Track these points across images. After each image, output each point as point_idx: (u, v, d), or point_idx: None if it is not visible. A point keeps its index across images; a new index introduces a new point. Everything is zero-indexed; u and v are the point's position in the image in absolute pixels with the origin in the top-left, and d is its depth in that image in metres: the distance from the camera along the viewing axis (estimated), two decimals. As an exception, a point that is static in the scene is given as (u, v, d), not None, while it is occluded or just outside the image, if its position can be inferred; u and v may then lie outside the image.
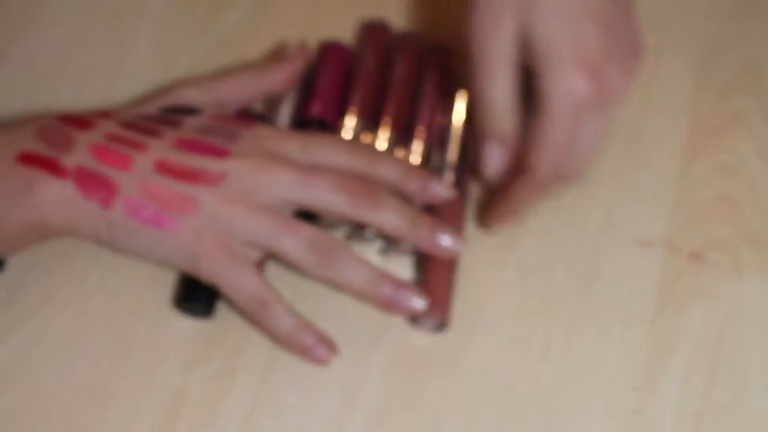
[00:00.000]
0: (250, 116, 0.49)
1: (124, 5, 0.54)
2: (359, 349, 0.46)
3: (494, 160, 0.46)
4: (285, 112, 0.50)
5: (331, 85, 0.51)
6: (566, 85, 0.42)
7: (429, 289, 0.45)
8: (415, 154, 0.49)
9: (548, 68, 0.42)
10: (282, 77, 0.50)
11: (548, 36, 0.42)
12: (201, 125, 0.45)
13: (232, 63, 0.53)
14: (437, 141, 0.50)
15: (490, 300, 0.47)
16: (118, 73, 0.52)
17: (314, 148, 0.45)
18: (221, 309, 0.46)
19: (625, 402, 0.46)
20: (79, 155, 0.43)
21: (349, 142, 0.49)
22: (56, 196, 0.42)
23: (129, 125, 0.44)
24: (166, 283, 0.47)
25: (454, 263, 0.47)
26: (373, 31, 0.53)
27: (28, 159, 0.42)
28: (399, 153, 0.49)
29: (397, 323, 0.46)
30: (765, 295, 0.48)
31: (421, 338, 0.46)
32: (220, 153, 0.44)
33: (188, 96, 0.48)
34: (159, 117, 0.46)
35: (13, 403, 0.42)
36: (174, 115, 0.46)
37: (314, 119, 0.50)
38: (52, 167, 0.42)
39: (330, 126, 0.50)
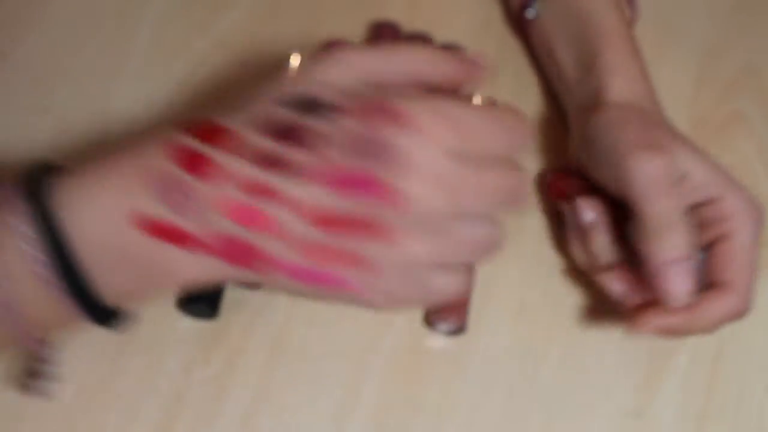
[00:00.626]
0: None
1: (124, 5, 0.54)
2: (359, 349, 0.46)
3: (682, 282, 0.42)
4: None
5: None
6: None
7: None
8: None
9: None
10: (465, 73, 0.39)
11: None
12: (350, 140, 0.34)
13: (232, 63, 0.53)
14: None
15: (491, 300, 0.47)
16: (118, 73, 0.52)
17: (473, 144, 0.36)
18: (222, 309, 0.45)
19: (626, 402, 0.46)
20: (210, 217, 0.35)
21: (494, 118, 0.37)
22: (198, 273, 0.36)
23: (260, 157, 0.35)
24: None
25: (473, 268, 0.47)
26: (383, 32, 0.53)
27: (149, 226, 0.35)
28: None
29: (398, 323, 0.46)
30: (766, 295, 0.48)
31: (426, 339, 0.46)
32: (390, 197, 0.34)
33: (336, 73, 0.37)
34: (291, 127, 0.35)
35: (12, 404, 0.42)
36: (309, 121, 0.35)
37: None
38: (182, 239, 0.35)
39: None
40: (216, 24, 0.54)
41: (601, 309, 0.48)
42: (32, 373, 0.40)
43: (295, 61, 0.38)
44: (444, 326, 0.45)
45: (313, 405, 0.44)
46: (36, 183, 0.36)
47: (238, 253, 0.35)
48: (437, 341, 0.46)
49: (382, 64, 0.37)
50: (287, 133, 0.35)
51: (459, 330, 0.46)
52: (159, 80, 0.52)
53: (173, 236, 0.35)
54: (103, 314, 0.37)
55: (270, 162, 0.34)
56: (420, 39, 0.53)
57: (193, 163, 0.35)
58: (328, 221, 0.34)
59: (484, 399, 0.45)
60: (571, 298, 0.48)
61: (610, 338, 0.47)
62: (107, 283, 0.36)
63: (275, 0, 0.55)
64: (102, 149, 0.42)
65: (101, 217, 0.35)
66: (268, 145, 0.35)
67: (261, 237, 0.35)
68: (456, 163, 0.34)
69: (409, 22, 0.54)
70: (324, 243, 0.35)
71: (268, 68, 0.53)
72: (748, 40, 0.56)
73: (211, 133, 0.35)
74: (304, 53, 0.40)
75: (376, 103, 0.34)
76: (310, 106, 0.35)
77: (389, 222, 0.34)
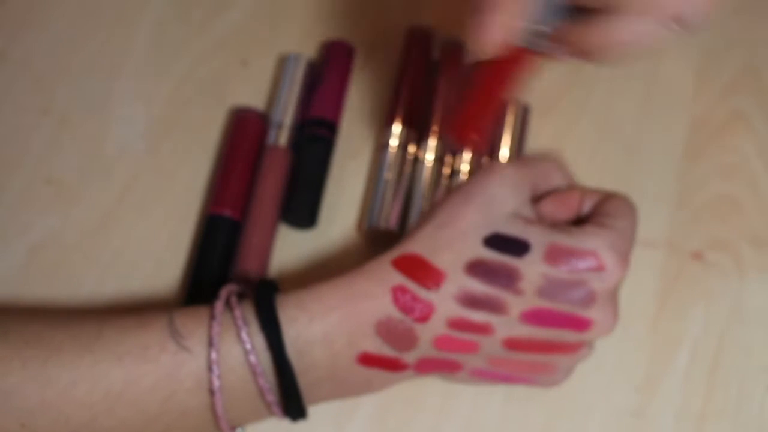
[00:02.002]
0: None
1: (124, 5, 0.54)
2: (359, 349, 0.45)
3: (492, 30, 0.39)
4: (288, 112, 0.50)
5: (335, 85, 0.51)
6: None
7: None
8: (465, 162, 0.49)
9: None
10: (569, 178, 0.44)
11: None
12: (548, 283, 0.39)
13: (232, 63, 0.53)
14: (486, 149, 0.50)
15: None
16: (117, 73, 0.52)
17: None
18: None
19: (626, 402, 0.46)
20: (421, 350, 0.40)
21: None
22: (392, 382, 0.41)
23: (467, 297, 0.39)
24: (167, 284, 0.47)
25: None
26: (417, 38, 0.53)
27: (370, 361, 0.39)
28: (448, 162, 0.49)
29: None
30: (766, 295, 0.48)
31: None
32: (580, 326, 0.40)
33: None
34: (494, 269, 0.39)
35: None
36: (507, 261, 0.39)
37: (316, 119, 0.50)
38: (392, 366, 0.40)
39: (331, 125, 0.50)
40: (216, 24, 0.54)
41: (601, 309, 0.48)
42: None
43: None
44: None
45: (314, 405, 0.44)
46: (270, 315, 0.38)
47: (433, 366, 0.41)
48: None
49: (532, 178, 0.42)
50: (492, 274, 0.39)
51: None
52: (159, 80, 0.52)
53: (390, 366, 0.40)
54: (299, 414, 0.40)
55: (476, 303, 0.39)
56: (426, 34, 0.53)
57: (415, 310, 0.39)
58: (521, 345, 0.40)
59: (484, 399, 0.45)
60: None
61: (610, 338, 0.47)
62: (312, 396, 0.40)
63: (275, 0, 0.55)
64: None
65: (330, 357, 0.39)
66: (477, 288, 0.39)
67: (457, 355, 0.40)
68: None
69: (409, 21, 0.54)
70: (512, 360, 0.41)
71: (269, 68, 0.53)
72: (748, 40, 0.55)
73: (426, 275, 0.39)
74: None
75: (565, 247, 0.39)
76: (507, 244, 0.40)
77: (572, 339, 0.40)
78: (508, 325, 0.39)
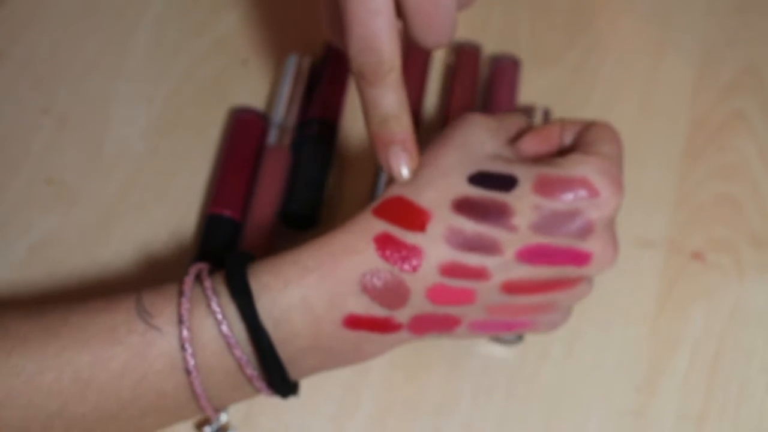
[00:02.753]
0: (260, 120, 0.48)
1: (124, 5, 0.54)
2: (359, 349, 0.46)
3: (402, 164, 0.39)
4: (288, 112, 0.50)
5: (335, 85, 0.51)
6: None
7: None
8: None
9: None
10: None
11: None
12: (542, 216, 0.37)
13: (232, 63, 0.53)
14: None
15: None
16: (117, 73, 0.52)
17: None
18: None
19: (626, 402, 0.46)
20: (414, 305, 0.37)
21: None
22: (386, 346, 0.39)
23: (457, 237, 0.37)
24: (166, 283, 0.47)
25: None
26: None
27: (357, 323, 0.37)
28: None
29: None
30: (766, 295, 0.48)
31: (482, 348, 0.46)
32: (580, 260, 0.38)
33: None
34: (483, 205, 0.37)
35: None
36: (496, 197, 0.38)
37: (316, 119, 0.50)
38: (383, 327, 0.38)
39: (331, 125, 0.50)
40: (216, 24, 0.54)
41: (601, 308, 0.48)
42: None
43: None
44: (506, 334, 0.45)
45: (313, 405, 0.44)
46: (241, 282, 0.37)
47: (428, 323, 0.39)
48: (497, 349, 0.46)
49: (504, 125, 0.41)
50: (481, 211, 0.37)
51: (519, 338, 0.46)
52: (159, 80, 0.52)
53: (381, 327, 0.38)
54: (286, 389, 0.38)
55: (468, 243, 0.37)
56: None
57: (402, 258, 0.37)
58: (521, 288, 0.38)
59: (484, 399, 0.45)
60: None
61: (610, 338, 0.47)
62: (298, 367, 0.38)
63: (275, 0, 0.55)
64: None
65: (311, 323, 0.37)
66: (467, 227, 0.37)
67: (454, 308, 0.38)
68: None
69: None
70: (510, 305, 0.39)
71: (269, 68, 0.53)
72: (748, 40, 0.56)
73: (410, 217, 0.37)
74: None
75: (554, 176, 0.38)
76: (492, 180, 0.38)
77: (572, 275, 0.39)
78: (505, 267, 0.37)
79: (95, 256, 0.47)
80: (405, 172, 0.38)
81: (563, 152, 0.41)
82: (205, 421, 0.43)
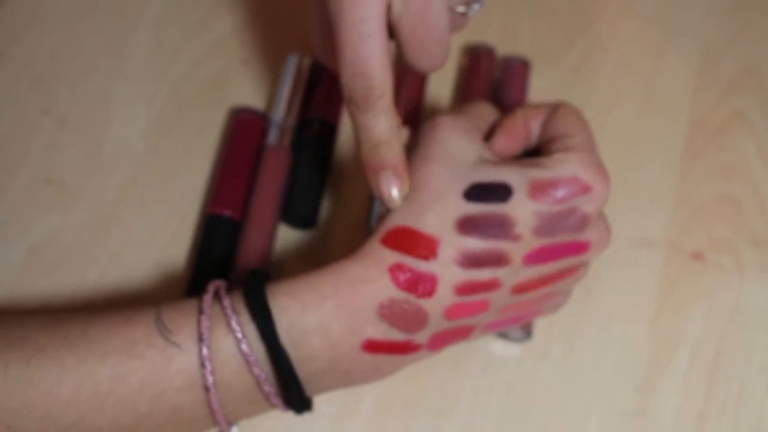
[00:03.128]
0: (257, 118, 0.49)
1: (124, 5, 0.54)
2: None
3: (393, 189, 0.39)
4: (288, 112, 0.50)
5: (335, 85, 0.51)
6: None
7: None
8: None
9: None
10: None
11: None
12: (540, 222, 0.38)
13: (232, 63, 0.53)
14: None
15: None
16: (117, 73, 0.52)
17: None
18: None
19: (626, 402, 0.46)
20: (433, 326, 0.38)
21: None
22: (403, 365, 0.40)
23: (468, 258, 0.38)
24: (166, 283, 0.47)
25: None
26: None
27: (377, 347, 0.38)
28: None
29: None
30: (766, 295, 0.48)
31: (491, 345, 0.46)
32: (580, 250, 0.40)
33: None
34: (485, 222, 0.38)
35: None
36: (495, 210, 0.38)
37: (316, 119, 0.50)
38: (403, 349, 0.38)
39: (331, 125, 0.50)
40: (216, 24, 0.54)
41: (601, 308, 0.48)
42: None
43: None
44: (514, 333, 0.45)
45: (314, 405, 0.44)
46: (260, 303, 0.37)
47: (445, 338, 0.39)
48: (505, 348, 0.46)
49: (473, 121, 0.41)
50: (484, 227, 0.38)
51: (527, 336, 0.46)
52: (159, 80, 0.52)
53: (400, 350, 0.38)
54: (302, 405, 0.39)
55: (479, 260, 0.38)
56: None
57: (418, 286, 0.37)
58: (530, 286, 0.39)
59: (484, 399, 0.45)
60: (571, 297, 0.47)
61: (610, 338, 0.47)
62: (315, 386, 0.39)
63: (275, 0, 0.55)
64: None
65: (329, 346, 0.37)
66: (475, 246, 0.38)
67: (470, 320, 0.39)
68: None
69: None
70: (518, 304, 0.40)
71: (269, 68, 0.53)
72: (748, 40, 0.56)
73: (419, 246, 0.37)
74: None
75: (546, 179, 0.38)
76: (487, 192, 0.38)
77: (574, 263, 0.40)
78: (514, 274, 0.38)
79: (95, 256, 0.47)
80: (396, 197, 0.39)
81: (540, 145, 0.41)
82: None
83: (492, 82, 0.53)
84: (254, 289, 0.37)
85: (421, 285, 0.37)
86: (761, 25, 0.56)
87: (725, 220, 0.50)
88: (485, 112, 0.42)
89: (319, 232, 0.49)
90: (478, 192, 0.38)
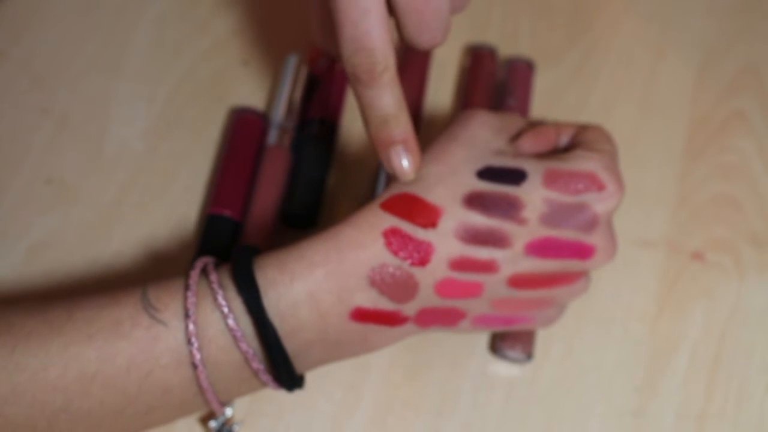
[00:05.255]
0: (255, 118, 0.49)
1: (124, 5, 0.54)
2: (359, 349, 0.46)
3: (406, 164, 0.38)
4: (288, 112, 0.50)
5: (335, 85, 0.51)
6: None
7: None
8: None
9: None
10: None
11: None
12: (549, 209, 0.38)
13: (231, 64, 0.53)
14: None
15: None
16: (117, 73, 0.52)
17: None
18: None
19: (626, 402, 0.46)
20: (422, 299, 0.38)
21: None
22: (392, 338, 0.39)
23: (469, 232, 0.37)
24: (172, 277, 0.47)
25: None
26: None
27: (365, 316, 0.37)
28: None
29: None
30: (766, 295, 0.48)
31: (491, 365, 0.46)
32: (584, 254, 0.39)
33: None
34: (494, 199, 0.38)
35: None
36: (507, 190, 0.38)
37: (316, 119, 0.50)
38: (391, 320, 0.38)
39: (331, 126, 0.50)
40: (216, 24, 0.54)
41: (601, 308, 0.48)
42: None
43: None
44: (512, 353, 0.45)
45: (313, 405, 0.44)
46: (247, 276, 0.36)
47: (435, 316, 0.39)
48: (504, 368, 0.46)
49: (505, 123, 0.42)
50: (492, 204, 0.37)
51: (527, 357, 0.45)
52: (159, 80, 0.52)
53: (388, 320, 0.38)
54: (292, 382, 0.38)
55: (478, 237, 0.37)
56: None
57: (412, 253, 0.36)
58: (526, 282, 0.38)
59: (484, 399, 0.45)
60: (564, 312, 0.47)
61: (609, 338, 0.47)
62: (304, 360, 0.38)
63: (275, 0, 0.55)
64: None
65: (318, 317, 0.37)
66: (478, 222, 0.37)
67: (461, 302, 0.38)
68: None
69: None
70: (514, 300, 0.39)
71: (269, 68, 0.53)
72: (748, 40, 0.56)
73: (421, 214, 0.37)
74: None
75: (563, 170, 0.38)
76: (501, 174, 0.38)
77: (575, 269, 0.39)
78: (513, 260, 0.38)
79: (95, 256, 0.47)
80: (409, 171, 0.38)
81: (561, 152, 0.41)
82: (210, 416, 0.43)
83: (494, 82, 0.53)
84: (241, 263, 0.37)
85: (415, 252, 0.36)
86: (761, 25, 0.56)
87: (725, 220, 0.50)
88: (518, 120, 0.43)
89: (319, 231, 0.49)
90: (491, 173, 0.38)
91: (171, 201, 0.49)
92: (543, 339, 0.46)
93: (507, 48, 0.54)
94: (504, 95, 0.52)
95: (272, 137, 0.50)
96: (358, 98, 0.38)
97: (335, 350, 0.38)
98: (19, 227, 0.47)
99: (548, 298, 0.40)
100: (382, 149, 0.38)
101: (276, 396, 0.44)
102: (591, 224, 0.38)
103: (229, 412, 0.40)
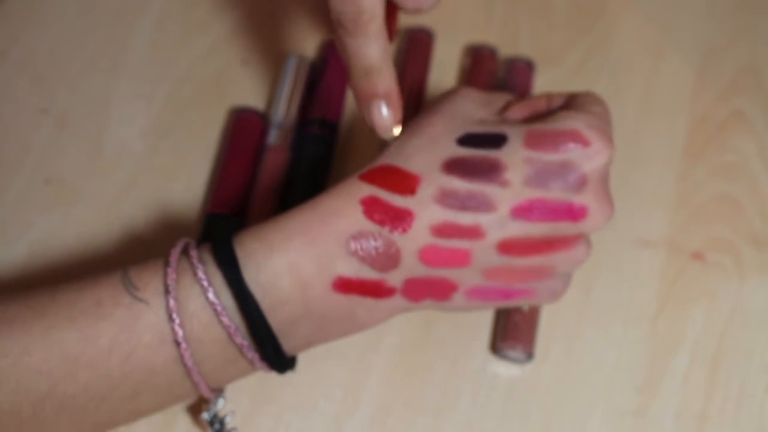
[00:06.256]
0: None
1: (124, 5, 0.54)
2: (359, 350, 0.45)
3: (387, 118, 0.39)
4: (288, 112, 0.50)
5: (335, 85, 0.51)
6: None
7: (516, 323, 0.45)
8: None
9: None
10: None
11: None
12: (534, 168, 0.37)
13: (231, 63, 0.53)
14: None
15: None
16: (117, 73, 0.52)
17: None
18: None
19: (627, 402, 0.46)
20: (406, 267, 0.36)
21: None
22: (381, 313, 0.38)
23: (449, 197, 0.36)
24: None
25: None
26: (417, 39, 0.53)
27: (348, 287, 0.36)
28: None
29: (397, 324, 0.46)
30: (766, 295, 0.48)
31: (492, 366, 0.46)
32: (575, 215, 0.37)
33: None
34: (473, 163, 0.37)
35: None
36: (487, 154, 0.37)
37: (316, 119, 0.50)
38: (376, 291, 0.37)
39: (331, 125, 0.50)
40: (216, 24, 0.54)
41: (601, 308, 0.47)
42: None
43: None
44: (513, 353, 0.45)
45: (313, 405, 0.44)
46: (226, 249, 0.36)
47: (423, 288, 0.37)
48: (504, 368, 0.46)
49: (492, 99, 0.41)
50: (472, 168, 0.36)
51: (528, 357, 0.45)
52: (158, 80, 0.52)
53: (373, 291, 0.36)
54: (281, 363, 0.37)
55: (458, 200, 0.36)
56: (426, 35, 0.53)
57: (391, 220, 0.36)
58: (517, 248, 0.37)
59: (484, 399, 0.45)
60: (571, 297, 0.47)
61: (610, 338, 0.47)
62: (291, 338, 0.37)
63: (275, 0, 0.55)
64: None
65: (300, 287, 0.36)
66: (459, 186, 0.36)
67: (450, 271, 0.37)
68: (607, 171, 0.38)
69: (409, 22, 0.54)
70: (507, 268, 0.38)
71: (269, 68, 0.53)
72: (748, 40, 0.56)
73: (399, 182, 0.36)
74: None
75: (545, 130, 0.37)
76: (482, 139, 0.37)
77: (569, 232, 0.38)
78: (500, 225, 0.37)
79: (95, 256, 0.47)
80: (389, 126, 0.38)
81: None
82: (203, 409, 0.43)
83: (494, 82, 0.53)
84: (220, 237, 0.36)
85: (394, 218, 0.36)
86: (761, 25, 0.56)
87: (725, 220, 0.50)
88: (505, 96, 0.42)
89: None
90: (472, 138, 0.37)
91: (171, 201, 0.49)
92: (543, 339, 0.46)
93: (507, 48, 0.54)
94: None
95: (272, 137, 0.50)
96: (342, 47, 0.37)
97: (323, 327, 0.37)
98: (19, 227, 0.47)
99: (546, 267, 0.39)
100: (364, 101, 0.38)
101: (276, 396, 0.44)
102: (580, 183, 0.37)
103: (221, 403, 0.39)
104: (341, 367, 0.45)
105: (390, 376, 0.45)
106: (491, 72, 0.53)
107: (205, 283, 0.35)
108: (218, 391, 0.39)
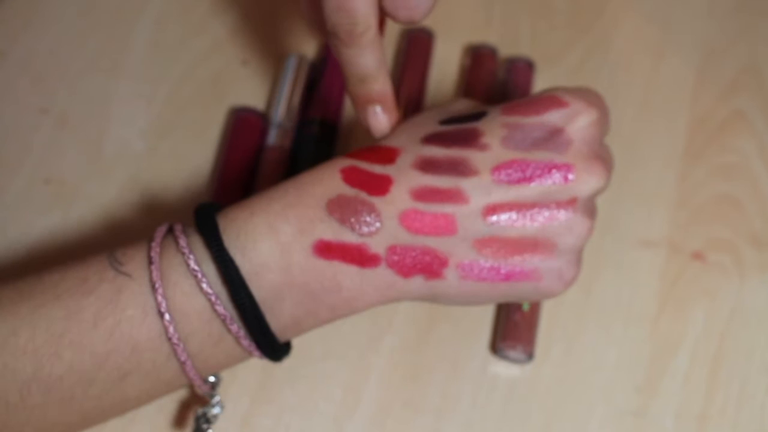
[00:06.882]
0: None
1: (124, 5, 0.54)
2: (359, 350, 0.45)
3: (382, 120, 0.40)
4: (288, 112, 0.50)
5: (335, 85, 0.51)
6: None
7: (516, 323, 0.45)
8: None
9: None
10: None
11: None
12: (510, 130, 0.37)
13: (231, 63, 0.53)
14: None
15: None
16: (117, 73, 0.52)
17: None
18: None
19: (627, 402, 0.46)
20: (388, 233, 0.36)
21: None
22: (369, 287, 0.37)
23: (428, 163, 0.37)
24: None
25: (539, 301, 0.46)
26: (417, 39, 0.53)
27: (328, 250, 0.36)
28: None
29: (398, 323, 0.46)
30: (766, 295, 0.48)
31: (492, 366, 0.46)
32: (560, 172, 0.37)
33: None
34: (452, 133, 0.38)
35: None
36: (465, 124, 0.38)
37: (316, 119, 0.50)
38: (358, 258, 0.36)
39: (331, 125, 0.50)
40: (216, 24, 0.54)
41: (601, 308, 0.47)
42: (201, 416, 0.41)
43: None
44: (513, 354, 0.45)
45: (313, 405, 0.44)
46: (209, 225, 0.36)
47: (410, 260, 0.36)
48: (504, 368, 0.46)
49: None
50: (450, 138, 0.37)
51: (528, 357, 0.45)
52: (158, 80, 0.52)
53: (355, 257, 0.36)
54: (272, 348, 0.37)
55: (438, 166, 0.37)
56: (426, 35, 0.53)
57: (370, 183, 0.36)
58: (503, 212, 0.36)
59: (484, 399, 0.45)
60: (571, 297, 0.48)
61: (610, 338, 0.47)
62: (278, 314, 0.37)
63: (275, 0, 0.55)
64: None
65: (280, 250, 0.36)
66: (437, 152, 0.37)
67: (436, 240, 0.36)
68: (601, 135, 0.38)
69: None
70: (500, 237, 0.37)
71: (269, 68, 0.53)
72: (749, 40, 0.56)
73: (379, 154, 0.37)
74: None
75: (523, 100, 0.38)
76: (463, 117, 0.38)
77: (560, 196, 0.37)
78: (483, 189, 0.36)
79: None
80: (385, 128, 0.39)
81: None
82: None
83: (494, 82, 0.53)
84: (204, 210, 0.37)
85: (372, 183, 0.36)
86: (761, 25, 0.56)
87: (725, 220, 0.50)
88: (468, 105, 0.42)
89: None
90: (454, 119, 0.38)
91: (171, 201, 0.49)
92: (543, 339, 0.46)
93: (507, 48, 0.54)
94: (504, 95, 0.52)
95: (272, 137, 0.50)
96: (338, 56, 0.38)
97: (308, 300, 0.37)
98: (19, 227, 0.47)
99: (543, 240, 0.37)
100: (360, 107, 0.39)
101: (276, 397, 0.44)
102: (562, 143, 0.37)
103: (217, 399, 0.39)
104: (341, 367, 0.45)
105: (390, 377, 0.45)
106: (491, 72, 0.53)
107: (186, 251, 0.36)
108: (210, 386, 0.39)
